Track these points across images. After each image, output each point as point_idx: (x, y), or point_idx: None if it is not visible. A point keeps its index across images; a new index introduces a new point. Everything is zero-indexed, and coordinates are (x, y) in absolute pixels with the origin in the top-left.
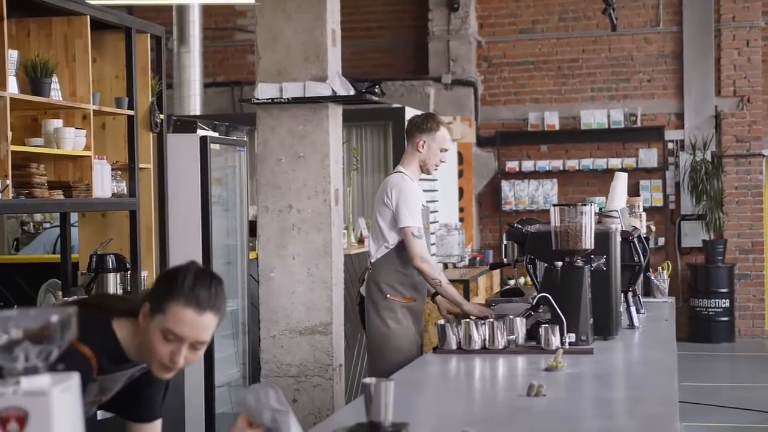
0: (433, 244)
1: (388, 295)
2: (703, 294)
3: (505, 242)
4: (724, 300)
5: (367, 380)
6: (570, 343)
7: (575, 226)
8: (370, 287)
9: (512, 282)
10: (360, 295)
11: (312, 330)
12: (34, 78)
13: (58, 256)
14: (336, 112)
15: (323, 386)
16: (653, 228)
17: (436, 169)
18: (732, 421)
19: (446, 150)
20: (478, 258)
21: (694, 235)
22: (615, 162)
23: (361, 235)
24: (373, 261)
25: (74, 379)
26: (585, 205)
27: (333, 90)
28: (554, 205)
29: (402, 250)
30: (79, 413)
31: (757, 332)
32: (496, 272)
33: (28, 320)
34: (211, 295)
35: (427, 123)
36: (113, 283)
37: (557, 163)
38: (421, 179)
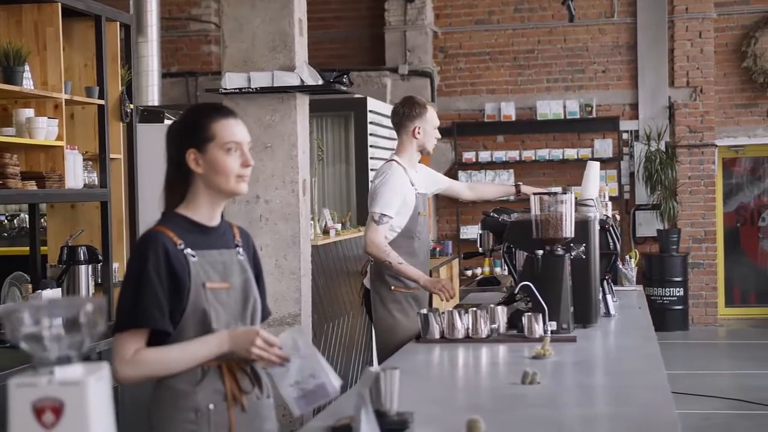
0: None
1: (393, 287)
2: (657, 283)
3: (480, 231)
4: (678, 288)
5: (373, 369)
6: (551, 332)
7: (555, 215)
8: (374, 280)
9: (469, 273)
10: (363, 287)
11: (280, 321)
12: (7, 66)
13: (27, 248)
14: (303, 102)
15: None
16: (618, 216)
17: (434, 144)
18: (686, 407)
19: (438, 125)
20: (437, 249)
21: (648, 225)
22: (571, 152)
23: (325, 225)
24: None
25: (105, 369)
26: (565, 193)
27: (301, 79)
28: (534, 194)
29: (402, 240)
30: (110, 402)
31: (710, 320)
32: (455, 263)
33: (60, 309)
34: (224, 106)
35: (415, 109)
36: (85, 275)
37: (513, 154)
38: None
